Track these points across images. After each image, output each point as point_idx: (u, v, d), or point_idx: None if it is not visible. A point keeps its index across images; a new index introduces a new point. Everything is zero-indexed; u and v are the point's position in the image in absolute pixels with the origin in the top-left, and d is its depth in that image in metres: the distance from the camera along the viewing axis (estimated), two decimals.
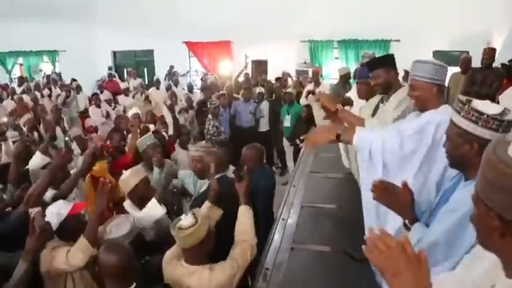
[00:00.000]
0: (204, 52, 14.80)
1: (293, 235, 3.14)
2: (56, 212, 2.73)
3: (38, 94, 9.85)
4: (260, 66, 13.83)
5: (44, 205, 2.89)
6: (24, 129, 6.07)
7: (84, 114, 9.77)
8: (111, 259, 2.28)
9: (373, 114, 3.39)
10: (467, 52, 7.99)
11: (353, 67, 9.26)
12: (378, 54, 10.65)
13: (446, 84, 2.75)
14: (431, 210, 2.02)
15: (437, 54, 11.00)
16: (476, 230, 1.17)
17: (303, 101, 8.09)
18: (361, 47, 12.26)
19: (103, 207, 2.79)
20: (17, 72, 16.13)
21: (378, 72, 3.20)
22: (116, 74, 14.76)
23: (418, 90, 2.44)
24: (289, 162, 7.96)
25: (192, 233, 2.46)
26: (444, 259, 1.74)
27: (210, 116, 7.34)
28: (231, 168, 4.07)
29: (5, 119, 6.32)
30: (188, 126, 7.22)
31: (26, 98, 8.99)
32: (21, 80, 12.81)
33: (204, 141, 5.82)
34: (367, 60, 4.09)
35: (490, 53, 6.42)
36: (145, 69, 15.82)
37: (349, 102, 4.85)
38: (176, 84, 11.73)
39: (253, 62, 13.92)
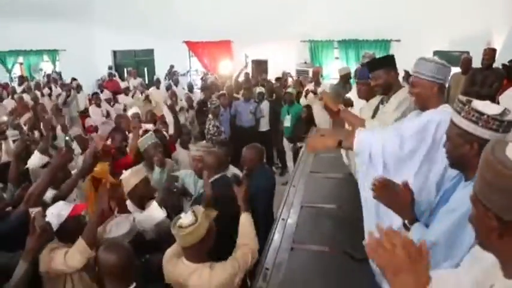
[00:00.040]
0: (204, 52, 14.79)
1: (293, 235, 3.14)
2: (56, 213, 2.72)
3: (38, 93, 9.85)
4: (260, 66, 13.82)
5: (44, 205, 2.88)
6: (25, 128, 6.07)
7: (84, 113, 9.78)
8: (110, 258, 2.28)
9: (373, 115, 3.39)
10: (467, 52, 7.98)
11: (353, 67, 9.25)
12: (378, 54, 10.64)
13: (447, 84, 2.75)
14: (431, 210, 2.03)
15: (437, 54, 10.95)
16: (474, 231, 1.17)
17: (303, 101, 8.10)
18: (362, 47, 12.25)
19: (103, 208, 2.77)
20: (17, 71, 16.10)
21: (378, 72, 3.20)
22: (116, 74, 14.75)
23: (419, 87, 2.44)
24: (289, 162, 7.96)
25: (192, 232, 2.46)
26: (444, 259, 1.74)
27: (210, 115, 7.33)
28: (231, 168, 4.08)
29: (5, 118, 6.33)
30: (188, 126, 7.23)
31: (26, 97, 9.00)
32: (22, 79, 12.80)
33: (204, 141, 5.82)
34: (368, 61, 4.09)
35: (490, 54, 6.42)
36: (145, 69, 15.81)
37: (349, 103, 4.85)
38: (176, 83, 11.73)
39: (253, 61, 13.91)
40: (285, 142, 7.99)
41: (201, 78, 13.45)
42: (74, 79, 12.36)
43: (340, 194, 3.95)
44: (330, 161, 4.63)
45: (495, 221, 1.05)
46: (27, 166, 4.10)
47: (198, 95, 10.57)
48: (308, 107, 7.50)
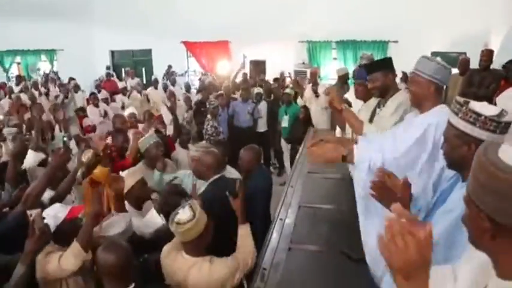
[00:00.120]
0: (202, 52, 14.78)
1: (291, 235, 3.15)
2: (53, 215, 2.70)
3: (35, 93, 9.84)
4: (258, 66, 13.81)
5: (42, 207, 2.87)
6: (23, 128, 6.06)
7: (83, 113, 9.75)
8: (109, 258, 2.26)
9: (371, 117, 3.39)
10: (465, 53, 8.00)
11: (351, 68, 9.27)
12: (376, 55, 10.70)
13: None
14: (428, 210, 2.03)
15: (435, 55, 10.95)
16: (467, 231, 1.17)
17: (300, 101, 8.11)
18: (360, 47, 12.26)
19: (97, 211, 2.75)
20: (14, 71, 16.07)
21: (375, 75, 3.21)
22: (114, 74, 14.73)
23: (416, 85, 2.46)
24: (287, 163, 7.96)
25: (191, 228, 2.46)
26: (444, 260, 1.74)
27: (209, 116, 7.33)
28: (229, 168, 4.07)
29: (0, 117, 6.33)
30: (187, 126, 7.23)
31: (24, 96, 8.98)
32: (19, 79, 12.80)
33: (204, 142, 5.81)
34: (366, 63, 4.11)
35: (487, 55, 6.43)
36: (143, 69, 15.78)
37: (347, 103, 4.86)
38: (173, 83, 11.74)
39: (251, 62, 13.90)
40: (283, 143, 7.99)
41: (199, 79, 13.44)
42: (72, 79, 12.35)
43: (337, 194, 3.96)
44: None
45: (487, 222, 1.05)
46: (24, 167, 4.08)
47: (194, 95, 10.56)
48: (305, 108, 7.52)
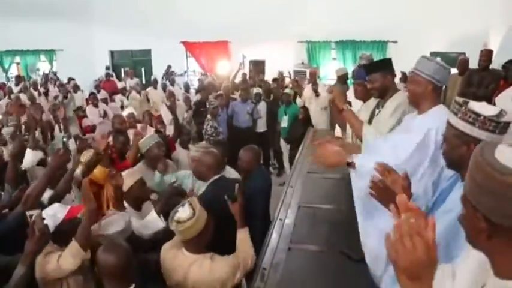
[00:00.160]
0: (202, 52, 14.79)
1: (290, 235, 3.15)
2: (52, 215, 2.69)
3: (35, 93, 9.83)
4: (258, 66, 13.83)
5: (41, 207, 2.87)
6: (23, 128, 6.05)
7: (83, 112, 9.74)
8: (109, 259, 2.24)
9: (370, 118, 3.40)
10: (464, 53, 8.01)
11: (350, 68, 9.28)
12: (376, 55, 10.72)
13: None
14: (427, 210, 2.03)
15: (434, 55, 11.00)
16: (464, 230, 1.18)
17: (299, 101, 8.11)
18: (359, 48, 12.28)
19: (92, 209, 2.73)
20: (14, 71, 16.07)
21: (374, 76, 3.21)
22: (114, 74, 14.74)
23: (414, 84, 2.47)
24: (286, 163, 7.96)
25: (191, 226, 2.47)
26: (444, 260, 1.74)
27: (208, 116, 7.32)
28: (228, 168, 4.07)
29: None
30: (187, 126, 7.23)
31: (23, 97, 8.98)
32: (18, 79, 12.80)
33: (204, 142, 5.81)
34: (365, 64, 4.11)
35: (487, 55, 6.44)
36: (142, 69, 15.78)
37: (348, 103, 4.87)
38: (172, 83, 11.75)
39: (250, 62, 13.91)
40: (282, 143, 8.00)
41: (198, 79, 13.44)
42: (71, 79, 12.36)
43: (337, 195, 3.95)
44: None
45: (484, 222, 1.05)
46: (23, 168, 4.07)
47: (193, 96, 10.56)
48: (305, 108, 7.52)
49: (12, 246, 2.54)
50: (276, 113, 8.13)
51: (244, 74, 11.53)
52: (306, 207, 3.63)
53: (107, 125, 7.19)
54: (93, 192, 3.32)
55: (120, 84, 12.68)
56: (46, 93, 10.70)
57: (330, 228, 3.31)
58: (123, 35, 15.05)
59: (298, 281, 2.65)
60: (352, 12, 11.63)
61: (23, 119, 6.51)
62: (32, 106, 7.04)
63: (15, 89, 10.96)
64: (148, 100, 10.31)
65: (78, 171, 3.80)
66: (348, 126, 3.85)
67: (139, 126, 6.18)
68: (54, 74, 14.73)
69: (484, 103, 1.73)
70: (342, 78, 7.34)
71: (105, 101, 9.74)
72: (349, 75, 7.30)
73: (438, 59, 2.53)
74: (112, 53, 16.59)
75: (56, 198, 3.22)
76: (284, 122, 7.73)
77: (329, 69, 12.42)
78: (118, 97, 10.88)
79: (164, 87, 11.04)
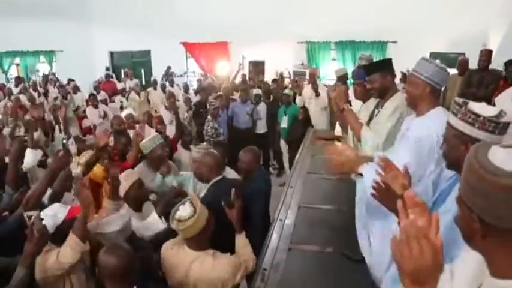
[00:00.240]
0: (201, 53, 14.78)
1: (290, 236, 3.15)
2: (52, 215, 2.69)
3: (34, 94, 9.84)
4: (257, 67, 13.83)
5: (42, 206, 2.87)
6: (22, 129, 6.03)
7: (83, 113, 9.76)
8: (111, 261, 2.23)
9: (370, 118, 3.40)
10: (463, 54, 8.01)
11: (350, 68, 9.28)
12: (375, 55, 10.72)
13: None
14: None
15: (434, 55, 11.02)
16: (460, 231, 1.18)
17: (299, 101, 8.11)
18: (358, 48, 12.28)
19: (84, 199, 2.73)
20: (13, 72, 16.06)
21: (374, 76, 3.22)
22: (114, 75, 14.74)
23: (412, 86, 2.48)
24: (286, 163, 7.97)
25: (192, 224, 2.47)
26: (445, 260, 1.75)
27: (209, 117, 7.32)
28: (228, 169, 4.07)
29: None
30: (188, 127, 7.24)
31: (23, 98, 8.98)
32: (18, 80, 12.79)
33: (205, 143, 5.82)
34: (365, 64, 4.11)
35: (486, 55, 6.45)
36: (142, 70, 15.76)
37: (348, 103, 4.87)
38: (172, 84, 11.75)
39: (250, 63, 13.91)
40: (282, 143, 8.00)
41: (197, 80, 13.44)
42: (71, 80, 12.36)
43: (337, 195, 3.96)
44: (327, 162, 4.64)
45: (478, 222, 1.06)
46: (24, 169, 4.06)
47: (193, 96, 10.57)
48: (304, 108, 7.53)
49: (12, 248, 2.54)
50: (276, 114, 8.13)
51: (243, 75, 11.53)
52: (306, 208, 3.64)
53: (106, 126, 7.20)
54: (93, 190, 3.33)
55: (119, 85, 12.69)
56: (46, 94, 10.71)
57: (330, 228, 3.32)
58: (122, 36, 15.07)
59: (298, 282, 2.66)
60: (351, 13, 11.63)
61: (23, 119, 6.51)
62: (35, 106, 7.04)
63: (15, 90, 10.96)
64: (148, 101, 10.32)
65: (79, 170, 3.81)
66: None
67: (138, 126, 6.18)
68: (54, 75, 14.73)
69: (484, 104, 1.73)
70: (342, 79, 7.34)
71: (104, 102, 9.74)
72: (349, 76, 7.30)
73: (437, 61, 2.54)
74: (112, 54, 16.60)
75: (54, 198, 3.22)
76: (284, 123, 7.74)
77: (329, 69, 12.40)
78: (118, 98, 10.90)
79: (163, 88, 11.05)
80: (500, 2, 10.12)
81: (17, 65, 16.25)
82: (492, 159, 1.04)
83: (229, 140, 7.53)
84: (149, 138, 4.31)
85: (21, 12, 14.22)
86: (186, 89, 11.09)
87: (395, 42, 11.83)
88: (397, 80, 4.38)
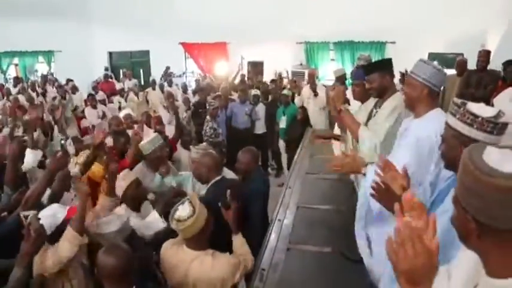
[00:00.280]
0: (200, 53, 14.77)
1: (289, 236, 3.16)
2: (50, 215, 2.69)
3: (33, 94, 9.83)
4: (256, 67, 13.83)
5: (41, 207, 2.87)
6: (21, 129, 6.03)
7: (81, 113, 9.75)
8: (110, 261, 2.22)
9: (368, 118, 3.41)
10: (462, 54, 8.01)
11: (349, 69, 9.29)
12: (374, 56, 10.72)
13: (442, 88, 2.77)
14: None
15: (432, 56, 11.04)
16: (456, 231, 1.19)
17: (297, 101, 8.12)
18: (357, 48, 12.28)
19: (84, 198, 2.75)
20: (12, 72, 16.03)
21: (373, 76, 3.23)
22: (113, 75, 14.73)
23: (410, 87, 2.49)
24: (285, 164, 7.97)
25: (191, 224, 2.48)
26: (442, 261, 1.75)
27: (208, 117, 7.32)
28: (226, 170, 4.07)
29: None
30: (187, 127, 7.23)
31: (22, 98, 8.98)
32: (17, 80, 12.78)
33: (205, 143, 5.83)
34: (364, 64, 4.12)
35: (485, 55, 6.46)
36: (141, 70, 15.76)
37: (347, 102, 4.87)
38: (170, 84, 11.74)
39: (249, 63, 13.91)
40: (281, 143, 8.01)
41: (195, 80, 13.43)
42: (69, 80, 12.35)
43: (335, 195, 3.97)
44: (325, 162, 4.65)
45: (473, 223, 1.07)
46: (24, 169, 4.06)
47: (191, 96, 10.57)
48: (303, 108, 7.53)
49: (11, 249, 2.53)
50: (275, 114, 8.13)
51: (242, 75, 11.54)
52: (304, 208, 3.65)
53: (105, 126, 7.20)
54: (91, 188, 3.33)
55: (118, 86, 12.69)
56: (44, 95, 10.70)
57: (328, 228, 3.33)
58: (121, 36, 15.07)
59: (297, 281, 2.66)
60: (350, 13, 11.63)
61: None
62: (33, 106, 7.04)
63: (14, 90, 10.95)
64: (147, 101, 10.32)
65: (77, 169, 3.81)
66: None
67: (136, 127, 6.18)
68: (52, 75, 14.71)
69: (482, 104, 1.74)
70: (340, 79, 7.34)
71: (103, 102, 9.73)
72: (348, 76, 7.30)
73: (435, 62, 2.55)
74: (110, 54, 16.59)
75: (53, 198, 3.22)
76: (282, 123, 7.74)
77: (327, 70, 12.42)
78: (116, 99, 10.89)
79: (161, 88, 11.05)
80: (498, 3, 10.13)
81: (16, 65, 16.21)
82: (487, 160, 1.05)
83: (228, 141, 7.53)
84: (149, 139, 4.30)
85: (19, 12, 14.20)
86: (184, 89, 11.10)
87: (393, 42, 11.83)
88: (396, 81, 4.37)
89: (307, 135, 6.35)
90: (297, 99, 8.42)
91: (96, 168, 3.79)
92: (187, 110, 8.56)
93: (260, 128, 8.28)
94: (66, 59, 15.25)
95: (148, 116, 6.78)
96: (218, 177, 3.48)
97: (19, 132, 5.81)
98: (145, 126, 5.95)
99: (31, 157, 4.17)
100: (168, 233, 2.76)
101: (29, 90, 10.60)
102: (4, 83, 14.09)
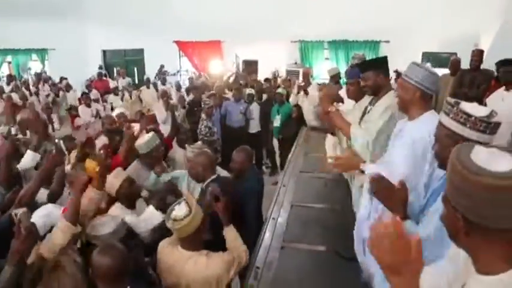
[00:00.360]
0: (195, 51, 14.75)
1: (283, 234, 3.17)
2: (44, 215, 2.68)
3: (26, 92, 9.79)
4: (250, 66, 13.81)
5: (35, 206, 2.86)
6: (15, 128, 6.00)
7: (75, 111, 9.72)
8: (104, 261, 2.20)
9: (362, 115, 3.42)
10: (455, 54, 8.04)
11: (343, 68, 9.31)
12: (368, 55, 10.75)
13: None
14: (421, 209, 2.06)
15: (426, 55, 11.09)
16: (446, 229, 1.21)
17: (292, 100, 8.12)
18: (351, 47, 12.32)
19: (77, 189, 2.73)
20: (5, 70, 15.95)
21: (367, 74, 3.24)
22: (107, 73, 14.68)
23: (403, 90, 2.50)
24: (279, 162, 7.98)
25: (187, 224, 2.48)
26: (436, 258, 1.76)
27: (203, 115, 7.30)
28: (219, 169, 4.07)
29: None
30: (184, 125, 7.22)
31: (15, 96, 8.93)
32: (10, 78, 12.71)
33: (200, 142, 5.82)
34: (359, 62, 4.14)
35: (478, 55, 6.49)
36: (135, 69, 15.71)
37: (339, 98, 4.87)
38: (164, 82, 11.71)
39: (243, 62, 13.91)
40: (275, 142, 8.01)
41: (188, 79, 13.38)
42: (63, 78, 12.30)
43: (330, 194, 3.99)
44: (320, 161, 4.66)
45: (462, 221, 1.09)
46: (20, 169, 4.04)
47: (184, 95, 10.55)
48: (298, 107, 7.54)
49: (4, 249, 2.52)
50: (269, 113, 8.12)
51: (236, 74, 11.52)
52: (298, 207, 3.66)
53: (98, 124, 7.19)
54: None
55: (112, 84, 12.65)
56: (37, 93, 10.66)
57: (322, 227, 3.34)
58: (115, 34, 15.03)
59: (291, 280, 2.67)
60: (344, 13, 11.66)
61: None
62: (24, 109, 7.01)
63: (7, 89, 10.88)
64: (140, 100, 10.29)
65: (69, 167, 3.80)
66: None
67: (135, 127, 6.15)
68: (45, 73, 14.65)
69: (475, 104, 1.75)
70: (335, 78, 7.35)
71: (97, 100, 9.70)
72: (342, 75, 7.31)
73: (428, 65, 2.56)
74: (104, 52, 16.53)
75: (52, 197, 3.21)
76: (277, 122, 7.74)
77: (322, 69, 12.43)
78: (110, 97, 10.84)
79: (155, 87, 11.03)
80: (492, 3, 10.19)
81: (9, 63, 16.14)
82: (475, 159, 1.06)
83: (222, 139, 7.53)
84: (146, 140, 4.26)
85: (13, 10, 14.14)
86: (178, 87, 11.07)
87: (388, 41, 11.88)
88: (391, 80, 4.39)
89: (302, 134, 6.36)
90: (291, 98, 8.42)
91: (90, 164, 3.77)
92: (182, 108, 8.54)
93: (254, 126, 8.26)
94: (60, 57, 15.20)
95: (142, 115, 6.77)
96: (214, 176, 3.48)
97: (17, 131, 5.80)
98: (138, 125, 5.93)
99: (30, 158, 4.16)
100: (164, 233, 2.76)
101: (23, 88, 10.55)
102: None
